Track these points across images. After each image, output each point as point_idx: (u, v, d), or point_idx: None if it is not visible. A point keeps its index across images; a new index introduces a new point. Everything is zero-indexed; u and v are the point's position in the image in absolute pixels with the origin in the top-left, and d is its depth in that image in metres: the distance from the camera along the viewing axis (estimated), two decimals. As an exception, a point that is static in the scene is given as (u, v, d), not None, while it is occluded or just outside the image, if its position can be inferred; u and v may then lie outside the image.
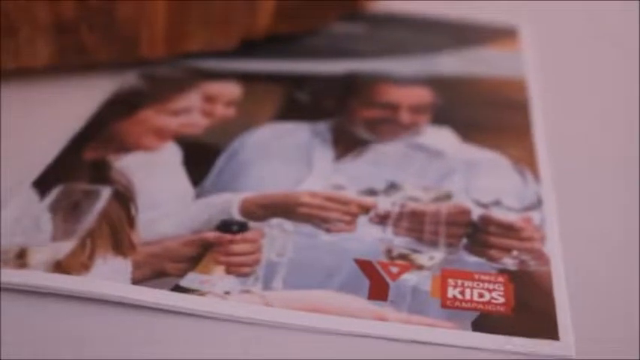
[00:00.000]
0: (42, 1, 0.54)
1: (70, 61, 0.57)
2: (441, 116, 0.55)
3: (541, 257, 0.42)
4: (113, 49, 0.57)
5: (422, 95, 0.58)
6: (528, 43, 0.67)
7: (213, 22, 0.59)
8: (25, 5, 0.54)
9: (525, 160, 0.50)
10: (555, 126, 0.55)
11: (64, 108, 0.54)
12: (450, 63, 0.63)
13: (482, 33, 0.69)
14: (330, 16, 0.67)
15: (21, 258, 0.40)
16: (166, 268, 0.40)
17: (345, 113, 0.55)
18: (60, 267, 0.39)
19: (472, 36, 0.68)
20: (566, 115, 0.57)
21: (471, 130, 0.54)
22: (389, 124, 0.54)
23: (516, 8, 0.74)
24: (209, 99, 0.55)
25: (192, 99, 0.55)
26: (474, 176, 0.49)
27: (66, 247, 0.41)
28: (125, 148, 0.49)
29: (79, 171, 0.47)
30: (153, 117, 0.52)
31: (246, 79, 0.58)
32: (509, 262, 0.42)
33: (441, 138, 0.53)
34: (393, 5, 0.72)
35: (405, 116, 0.54)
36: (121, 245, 0.41)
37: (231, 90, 0.56)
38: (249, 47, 0.61)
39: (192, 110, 0.53)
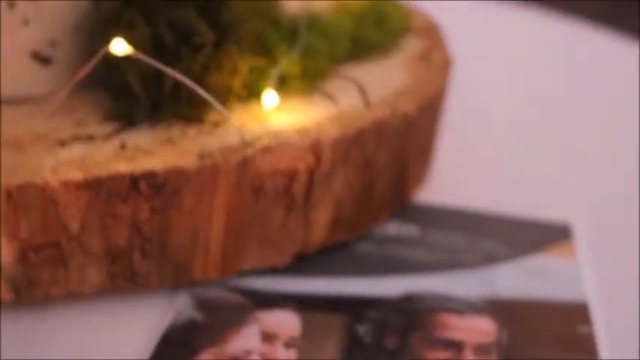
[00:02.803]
0: (95, 231, 0.52)
1: (120, 287, 0.54)
2: (507, 360, 0.53)
3: None
4: (165, 274, 0.55)
5: (486, 331, 0.55)
6: (583, 246, 0.65)
7: (268, 242, 0.56)
8: (78, 236, 0.51)
9: None
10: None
11: (113, 346, 0.52)
12: (509, 278, 0.61)
13: (535, 234, 0.66)
14: (383, 216, 0.64)
15: None
16: None
17: (409, 356, 0.53)
18: None
19: (525, 238, 0.65)
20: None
21: (541, 382, 0.51)
22: (456, 375, 0.51)
23: (566, 196, 0.71)
24: (268, 337, 0.52)
25: (250, 338, 0.52)
26: None
27: None
28: None
29: None
30: (212, 367, 0.49)
31: (303, 306, 0.56)
32: None
33: (513, 396, 0.50)
34: (441, 196, 0.70)
35: (471, 361, 0.52)
36: None
37: (291, 324, 0.54)
38: (301, 260, 0.59)
39: (252, 354, 0.51)
